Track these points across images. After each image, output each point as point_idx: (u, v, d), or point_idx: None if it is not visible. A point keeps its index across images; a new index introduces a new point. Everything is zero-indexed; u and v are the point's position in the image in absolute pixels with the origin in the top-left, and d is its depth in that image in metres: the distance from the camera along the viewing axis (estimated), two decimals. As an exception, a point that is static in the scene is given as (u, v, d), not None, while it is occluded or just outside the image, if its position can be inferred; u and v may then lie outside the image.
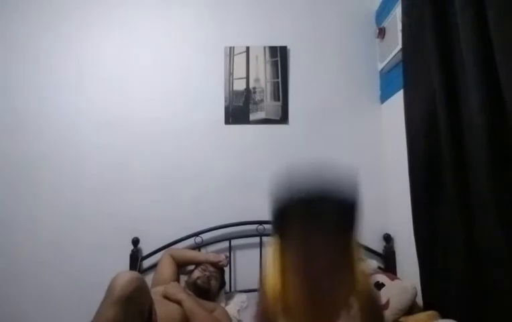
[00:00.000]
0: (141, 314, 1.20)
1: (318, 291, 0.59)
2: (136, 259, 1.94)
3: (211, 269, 1.75)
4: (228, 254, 1.93)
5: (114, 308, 1.10)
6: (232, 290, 1.96)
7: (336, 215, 0.60)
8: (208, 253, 1.93)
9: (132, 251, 1.96)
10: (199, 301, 1.50)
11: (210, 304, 1.57)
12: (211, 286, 1.68)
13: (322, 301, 0.60)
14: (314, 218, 0.60)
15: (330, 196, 0.61)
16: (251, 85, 2.18)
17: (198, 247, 1.97)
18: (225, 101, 2.16)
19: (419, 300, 1.56)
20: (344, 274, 0.62)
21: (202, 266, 1.75)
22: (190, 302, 1.44)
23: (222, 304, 1.70)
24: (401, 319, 1.51)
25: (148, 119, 2.11)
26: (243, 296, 1.83)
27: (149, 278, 1.80)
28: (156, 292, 1.47)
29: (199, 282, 1.66)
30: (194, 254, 1.90)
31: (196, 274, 1.71)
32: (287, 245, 0.64)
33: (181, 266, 1.86)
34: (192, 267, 1.83)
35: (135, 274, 1.21)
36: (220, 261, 1.80)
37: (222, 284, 1.83)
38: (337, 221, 0.60)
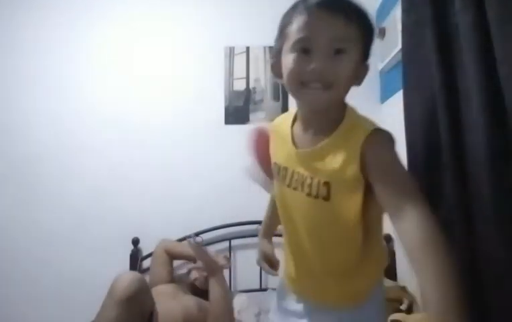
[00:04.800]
0: (142, 316, 1.21)
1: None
2: (136, 259, 1.95)
3: (209, 269, 1.73)
4: (228, 254, 1.93)
5: (116, 310, 1.11)
6: (232, 290, 1.96)
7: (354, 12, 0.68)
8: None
9: (132, 251, 1.96)
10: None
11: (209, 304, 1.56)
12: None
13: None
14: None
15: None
16: (251, 85, 2.18)
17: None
18: (225, 101, 2.16)
19: (419, 300, 1.56)
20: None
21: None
22: (223, 285, 1.47)
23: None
24: (400, 319, 1.51)
25: (148, 119, 2.11)
26: (243, 296, 1.82)
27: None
28: (157, 293, 1.47)
29: (197, 283, 1.66)
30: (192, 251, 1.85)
31: (194, 274, 1.70)
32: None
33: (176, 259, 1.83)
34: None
35: (136, 275, 1.21)
36: (223, 266, 1.75)
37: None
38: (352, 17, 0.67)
